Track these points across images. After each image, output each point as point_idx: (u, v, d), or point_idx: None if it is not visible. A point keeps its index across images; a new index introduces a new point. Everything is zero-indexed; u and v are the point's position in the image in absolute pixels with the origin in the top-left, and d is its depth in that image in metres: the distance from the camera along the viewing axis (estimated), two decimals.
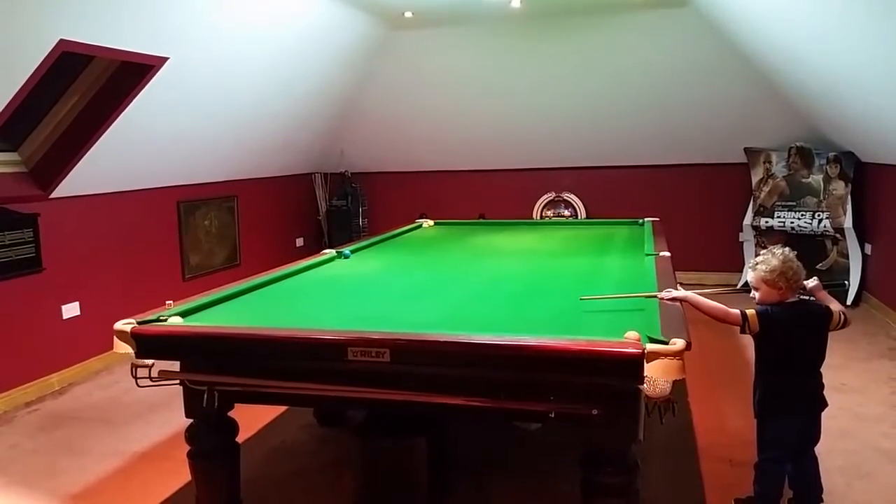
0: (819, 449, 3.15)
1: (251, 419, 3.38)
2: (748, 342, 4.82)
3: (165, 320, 2.34)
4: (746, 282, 2.55)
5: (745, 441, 3.29)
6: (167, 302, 2.52)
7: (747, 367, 4.32)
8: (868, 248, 5.82)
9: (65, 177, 4.26)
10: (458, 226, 5.32)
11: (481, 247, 4.28)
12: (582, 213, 7.04)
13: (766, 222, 6.35)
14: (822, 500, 2.61)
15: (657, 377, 1.79)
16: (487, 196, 7.36)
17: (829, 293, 2.56)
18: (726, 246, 6.73)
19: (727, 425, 3.49)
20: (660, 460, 3.06)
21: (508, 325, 2.30)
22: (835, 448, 3.19)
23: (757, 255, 2.71)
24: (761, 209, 6.40)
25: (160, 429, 3.63)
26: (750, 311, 2.42)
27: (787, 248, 2.48)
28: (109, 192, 4.77)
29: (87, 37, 3.59)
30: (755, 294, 2.50)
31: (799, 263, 2.47)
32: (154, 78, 4.22)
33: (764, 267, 2.45)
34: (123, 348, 2.22)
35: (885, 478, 2.95)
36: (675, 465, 3.06)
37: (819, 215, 6.04)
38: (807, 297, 2.53)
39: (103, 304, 4.66)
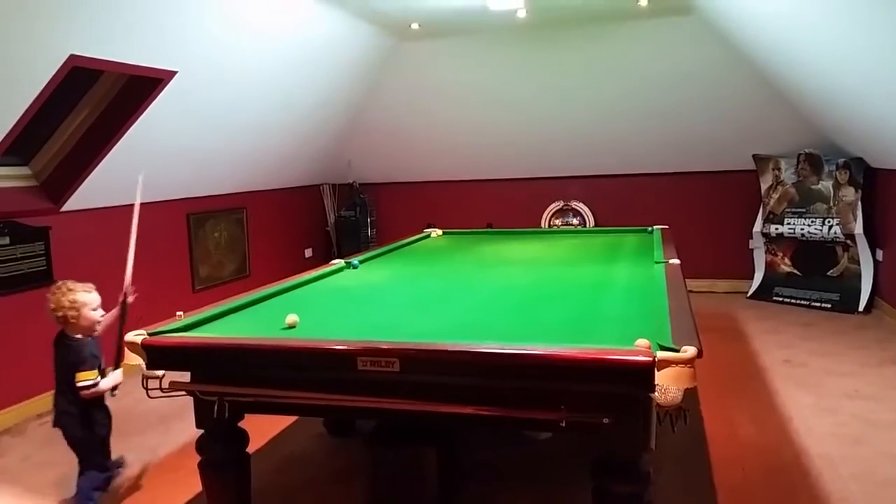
0: (833, 456, 3.15)
1: (261, 430, 3.38)
2: (761, 349, 4.86)
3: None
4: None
5: (757, 449, 3.27)
6: (178, 313, 2.53)
7: (759, 375, 4.32)
8: (879, 254, 5.78)
9: (75, 190, 4.30)
10: (466, 235, 5.31)
11: (490, 256, 4.28)
12: (590, 221, 7.03)
13: (776, 229, 6.33)
14: None
15: (668, 385, 1.78)
16: (495, 205, 7.37)
17: None
18: (736, 253, 6.71)
19: (739, 433, 3.47)
20: (672, 469, 3.03)
21: (518, 333, 2.29)
22: (849, 455, 3.16)
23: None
24: (771, 216, 6.38)
25: (171, 439, 3.64)
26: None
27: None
28: (120, 204, 4.79)
29: (97, 52, 3.63)
30: None
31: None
32: (163, 91, 4.26)
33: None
34: (134, 359, 2.23)
35: None
36: (687, 474, 3.03)
37: (829, 222, 6.01)
38: None
39: None
